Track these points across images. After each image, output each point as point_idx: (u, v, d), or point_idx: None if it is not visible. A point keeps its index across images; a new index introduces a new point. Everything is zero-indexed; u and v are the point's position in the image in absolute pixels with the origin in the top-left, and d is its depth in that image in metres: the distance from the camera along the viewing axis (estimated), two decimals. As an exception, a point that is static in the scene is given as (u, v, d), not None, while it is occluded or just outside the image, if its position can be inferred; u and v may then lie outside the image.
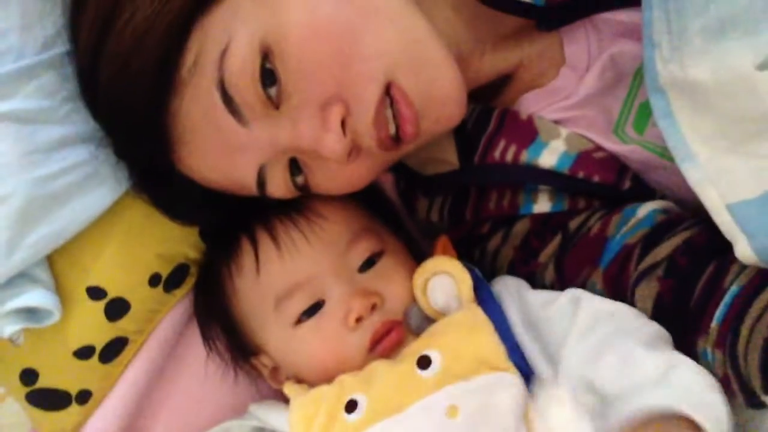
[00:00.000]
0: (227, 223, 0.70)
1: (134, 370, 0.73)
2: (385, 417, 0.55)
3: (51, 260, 0.68)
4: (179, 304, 0.75)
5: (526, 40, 0.68)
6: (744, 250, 0.51)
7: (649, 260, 0.57)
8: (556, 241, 0.64)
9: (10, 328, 0.64)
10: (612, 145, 0.65)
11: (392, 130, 0.58)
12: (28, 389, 0.71)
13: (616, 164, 0.64)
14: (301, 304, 0.63)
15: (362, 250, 0.65)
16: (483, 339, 0.57)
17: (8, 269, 0.62)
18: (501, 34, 0.68)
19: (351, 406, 0.57)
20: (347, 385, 0.59)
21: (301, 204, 0.66)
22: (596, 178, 0.64)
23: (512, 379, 0.55)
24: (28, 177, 0.62)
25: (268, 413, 0.66)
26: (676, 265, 0.56)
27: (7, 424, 0.78)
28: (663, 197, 0.64)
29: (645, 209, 0.61)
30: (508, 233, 0.67)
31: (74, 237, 0.67)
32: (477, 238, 0.70)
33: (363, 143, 0.59)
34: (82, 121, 0.65)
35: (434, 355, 0.56)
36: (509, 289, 0.63)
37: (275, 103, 0.56)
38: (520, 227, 0.67)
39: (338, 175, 0.61)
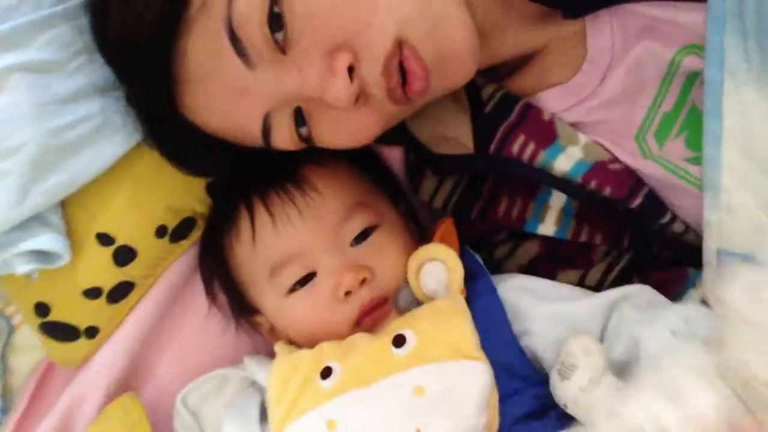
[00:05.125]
0: (231, 181, 0.71)
1: (140, 311, 0.77)
2: (355, 387, 0.57)
3: (64, 204, 0.71)
4: (186, 253, 0.78)
5: (552, 25, 0.66)
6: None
7: None
8: (571, 276, 0.66)
9: (22, 268, 0.68)
10: (629, 157, 0.63)
11: (400, 81, 0.57)
12: (41, 320, 0.75)
13: (630, 178, 0.63)
14: (294, 274, 0.65)
15: (356, 225, 0.66)
16: (457, 326, 0.58)
17: (20, 214, 0.65)
18: (528, 13, 0.66)
19: (326, 373, 0.59)
20: (326, 353, 0.61)
21: (298, 175, 0.67)
22: (607, 191, 0.63)
23: (480, 367, 0.57)
24: (41, 127, 0.64)
25: (257, 368, 0.69)
26: None
27: (24, 345, 0.83)
28: (674, 218, 0.63)
29: None
30: (515, 250, 0.68)
31: (86, 184, 0.69)
32: (488, 241, 0.70)
33: (371, 92, 0.58)
34: (95, 73, 0.66)
35: (409, 335, 0.58)
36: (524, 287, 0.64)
37: (282, 48, 0.56)
38: (529, 248, 0.67)
39: (342, 126, 0.60)
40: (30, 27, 0.64)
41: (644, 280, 0.64)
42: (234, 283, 0.72)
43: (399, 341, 0.58)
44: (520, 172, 0.66)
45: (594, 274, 0.67)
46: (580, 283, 0.67)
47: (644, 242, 0.66)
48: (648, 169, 0.63)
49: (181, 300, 0.79)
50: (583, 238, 0.66)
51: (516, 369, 0.60)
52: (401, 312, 0.64)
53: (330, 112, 0.59)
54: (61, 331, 0.75)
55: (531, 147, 0.65)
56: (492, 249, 0.71)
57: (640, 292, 0.61)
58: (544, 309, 0.61)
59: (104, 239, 0.72)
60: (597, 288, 0.66)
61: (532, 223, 0.67)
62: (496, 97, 0.67)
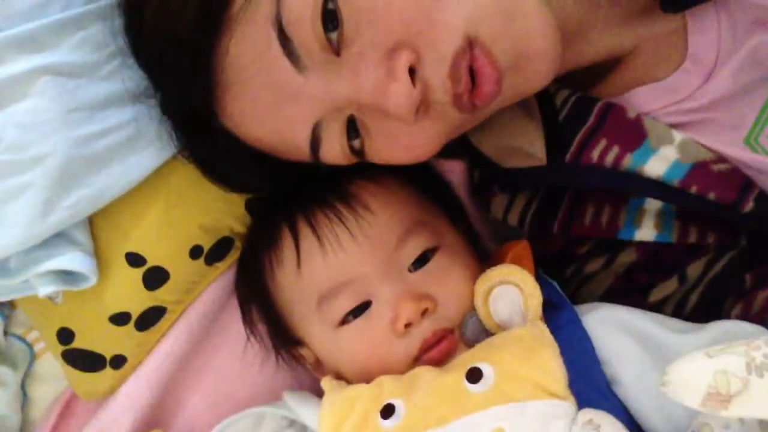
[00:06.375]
0: (272, 198, 0.66)
1: (171, 340, 0.72)
2: (424, 428, 0.51)
3: (91, 221, 0.67)
4: (223, 277, 0.73)
5: (645, 22, 0.60)
6: None
7: None
8: (671, 285, 0.58)
9: (45, 289, 0.63)
10: (740, 153, 0.56)
11: (469, 85, 0.52)
12: (63, 348, 0.71)
13: (739, 179, 0.56)
14: (345, 305, 0.59)
15: (414, 247, 0.60)
16: (542, 360, 0.52)
17: (44, 230, 0.61)
18: (618, 11, 0.60)
19: (387, 411, 0.53)
20: (386, 388, 0.55)
21: (348, 192, 0.61)
22: (712, 195, 0.56)
23: (568, 408, 0.50)
24: (68, 136, 0.60)
25: (300, 405, 0.63)
26: None
27: (47, 375, 0.79)
28: None
29: None
30: (612, 261, 0.61)
31: (116, 200, 0.65)
32: (573, 256, 0.63)
33: (434, 98, 0.53)
34: (128, 79, 0.62)
35: (486, 370, 0.52)
36: (623, 320, 0.56)
37: (335, 48, 0.51)
38: (626, 257, 0.60)
39: (400, 139, 0.55)
40: (59, 27, 0.61)
41: (760, 274, 0.56)
42: (275, 311, 0.66)
43: (474, 376, 0.51)
44: (600, 182, 0.59)
45: (694, 270, 0.59)
46: (681, 283, 0.59)
47: (763, 240, 0.58)
48: (762, 164, 0.56)
49: (216, 328, 0.74)
50: (692, 238, 0.58)
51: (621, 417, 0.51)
52: (468, 344, 0.58)
53: (386, 123, 0.54)
54: (85, 360, 0.71)
55: (614, 151, 0.58)
56: (582, 263, 0.63)
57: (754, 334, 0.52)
58: (635, 351, 0.54)
59: (134, 260, 0.67)
60: (697, 283, 0.58)
61: (627, 230, 0.60)
62: (571, 101, 0.61)
